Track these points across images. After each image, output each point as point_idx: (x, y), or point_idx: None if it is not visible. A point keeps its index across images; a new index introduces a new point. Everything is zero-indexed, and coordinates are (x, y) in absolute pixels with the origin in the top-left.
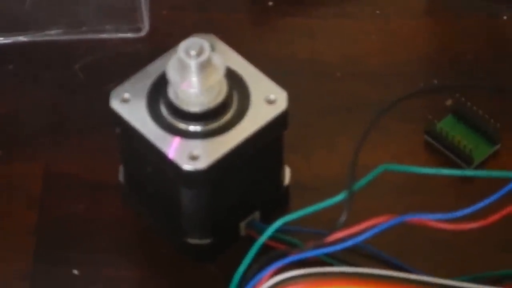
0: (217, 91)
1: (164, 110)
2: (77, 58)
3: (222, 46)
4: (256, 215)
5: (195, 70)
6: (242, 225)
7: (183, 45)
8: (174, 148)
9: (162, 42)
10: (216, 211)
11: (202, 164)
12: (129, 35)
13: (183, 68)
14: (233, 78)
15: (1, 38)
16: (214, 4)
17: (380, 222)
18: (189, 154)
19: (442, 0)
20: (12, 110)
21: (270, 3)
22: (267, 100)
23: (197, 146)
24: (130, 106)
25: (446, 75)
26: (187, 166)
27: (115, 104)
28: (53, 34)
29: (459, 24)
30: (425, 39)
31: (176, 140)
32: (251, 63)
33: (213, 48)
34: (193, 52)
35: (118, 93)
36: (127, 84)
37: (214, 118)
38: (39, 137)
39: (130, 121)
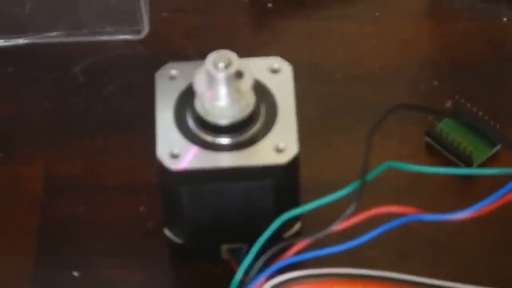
0: (245, 104)
1: (190, 122)
2: (77, 60)
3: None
4: (244, 247)
5: (223, 83)
6: (224, 248)
7: (211, 57)
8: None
9: (162, 45)
10: (197, 219)
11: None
12: (129, 37)
13: (211, 80)
14: (261, 91)
15: (1, 41)
16: (214, 7)
17: (374, 214)
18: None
19: (442, 2)
20: (12, 112)
21: (270, 5)
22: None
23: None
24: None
25: (446, 77)
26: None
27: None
28: (53, 37)
29: (459, 26)
30: (425, 42)
31: (193, 150)
32: None
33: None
34: (221, 65)
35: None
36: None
37: (241, 131)
38: (39, 139)
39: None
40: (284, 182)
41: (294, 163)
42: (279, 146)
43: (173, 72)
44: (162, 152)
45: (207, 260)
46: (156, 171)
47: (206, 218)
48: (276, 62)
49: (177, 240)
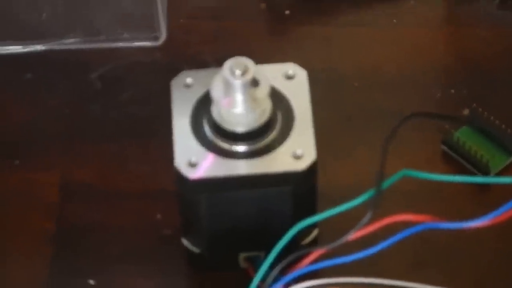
0: (261, 111)
1: (207, 128)
2: (95, 66)
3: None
4: (262, 254)
5: (240, 90)
6: (242, 256)
7: (227, 64)
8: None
9: (179, 51)
10: (215, 227)
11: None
12: (146, 43)
13: (228, 87)
14: (278, 97)
15: (19, 47)
16: (231, 13)
17: (390, 222)
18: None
19: (459, 10)
20: (29, 118)
21: (287, 12)
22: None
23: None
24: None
25: (463, 85)
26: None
27: None
28: (70, 43)
29: (476, 34)
30: (441, 49)
31: (210, 157)
32: None
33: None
34: (238, 72)
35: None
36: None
37: (258, 138)
38: (55, 145)
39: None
40: (302, 189)
41: (312, 170)
42: (296, 152)
43: (188, 80)
44: (180, 161)
45: (224, 269)
46: (174, 180)
47: (224, 225)
48: (291, 68)
49: (195, 249)
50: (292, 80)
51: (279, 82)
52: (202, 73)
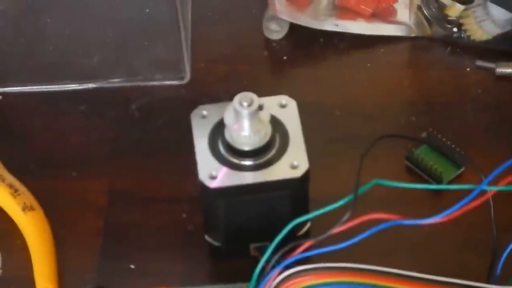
0: (264, 134)
1: (221, 148)
2: (134, 100)
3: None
4: (268, 245)
5: (247, 117)
6: (252, 246)
7: (237, 97)
8: (222, 175)
9: (200, 88)
10: (231, 224)
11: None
12: (174, 82)
13: (237, 115)
14: (276, 123)
15: (76, 85)
16: (240, 59)
17: (365, 219)
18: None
19: (418, 56)
20: (84, 140)
21: (284, 57)
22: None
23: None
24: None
25: (422, 114)
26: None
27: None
28: (115, 82)
29: (433, 74)
30: (406, 86)
31: (224, 170)
32: None
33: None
34: (245, 103)
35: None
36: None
37: (261, 155)
38: (104, 161)
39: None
40: (298, 193)
41: (306, 176)
42: (293, 163)
43: (204, 112)
44: (203, 175)
45: (238, 257)
46: (198, 189)
47: (237, 223)
48: (283, 99)
49: (215, 243)
50: (285, 108)
51: (275, 110)
52: (213, 106)
